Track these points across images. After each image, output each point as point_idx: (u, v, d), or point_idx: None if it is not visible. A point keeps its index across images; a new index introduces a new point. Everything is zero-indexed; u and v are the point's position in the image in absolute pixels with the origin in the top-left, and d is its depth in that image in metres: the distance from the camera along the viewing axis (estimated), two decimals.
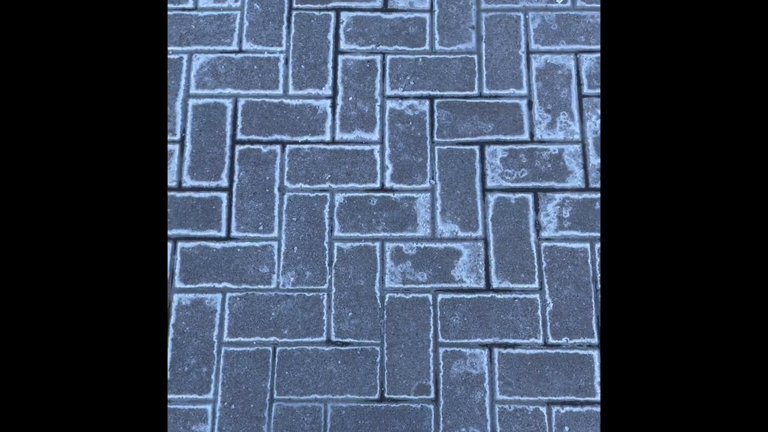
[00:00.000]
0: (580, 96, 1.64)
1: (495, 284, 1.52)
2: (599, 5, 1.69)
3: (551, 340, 1.48)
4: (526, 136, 1.62)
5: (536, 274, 1.53)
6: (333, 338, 1.49)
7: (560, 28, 1.68)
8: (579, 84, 1.64)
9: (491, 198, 1.58)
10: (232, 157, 1.60)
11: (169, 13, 1.69)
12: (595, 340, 1.48)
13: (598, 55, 1.66)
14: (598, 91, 1.64)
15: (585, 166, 1.59)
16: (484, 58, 1.67)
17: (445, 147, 1.62)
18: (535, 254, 1.54)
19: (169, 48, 1.67)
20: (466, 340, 1.49)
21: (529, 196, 1.58)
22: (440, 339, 1.49)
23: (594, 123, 1.62)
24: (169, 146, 1.61)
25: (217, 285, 1.52)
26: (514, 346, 1.48)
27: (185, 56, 1.66)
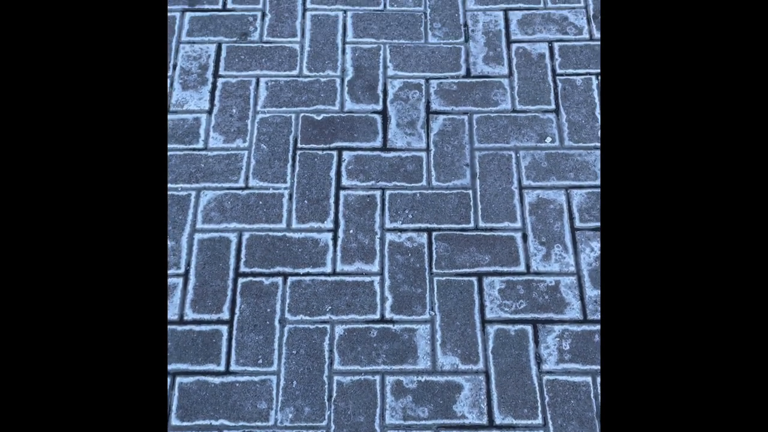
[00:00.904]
0: (573, 229, 1.70)
1: (498, 420, 1.49)
2: (586, 145, 1.80)
3: None
4: (522, 268, 1.66)
5: (539, 409, 1.50)
6: None
7: (550, 165, 1.78)
8: (571, 218, 1.71)
9: (491, 329, 1.59)
10: (234, 290, 1.63)
11: (179, 153, 1.79)
12: None
13: (588, 190, 1.74)
14: (590, 224, 1.70)
15: (582, 298, 1.62)
16: (478, 193, 1.75)
17: (444, 278, 1.65)
18: (537, 388, 1.52)
19: (178, 185, 1.75)
20: None
21: (529, 328, 1.59)
22: None
23: (588, 255, 1.66)
24: (173, 280, 1.64)
25: (213, 422, 1.49)
26: None
27: (193, 193, 1.74)
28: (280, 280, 1.65)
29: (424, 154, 1.80)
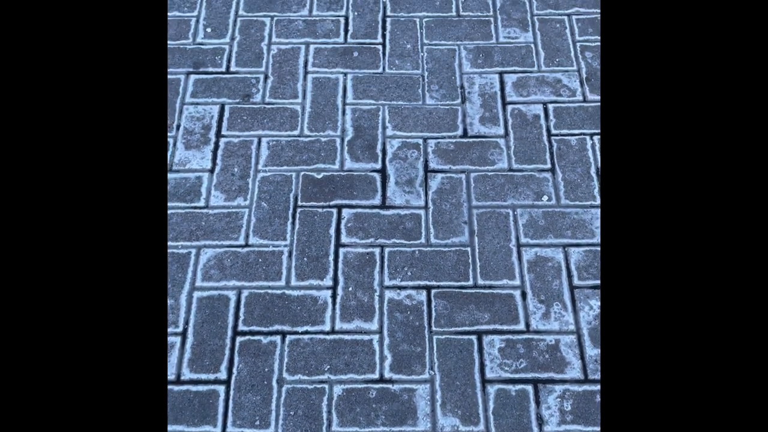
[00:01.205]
0: (572, 287, 1.70)
1: None
2: (582, 203, 1.83)
3: None
4: (522, 326, 1.65)
5: None
6: None
7: (547, 223, 1.80)
8: (569, 276, 1.72)
9: (491, 389, 1.57)
10: (232, 349, 1.62)
11: (181, 211, 1.81)
12: None
13: (586, 248, 1.75)
14: (589, 282, 1.71)
15: (582, 357, 1.60)
16: (477, 250, 1.76)
17: (444, 336, 1.64)
18: None
19: (178, 243, 1.76)
20: None
21: (529, 388, 1.57)
22: None
23: (587, 314, 1.66)
24: (171, 338, 1.63)
25: None
26: None
27: (193, 251, 1.75)
28: (278, 338, 1.63)
29: (422, 212, 1.82)
